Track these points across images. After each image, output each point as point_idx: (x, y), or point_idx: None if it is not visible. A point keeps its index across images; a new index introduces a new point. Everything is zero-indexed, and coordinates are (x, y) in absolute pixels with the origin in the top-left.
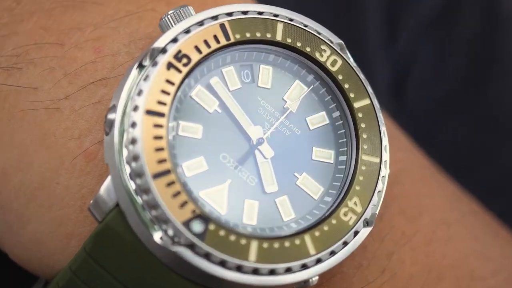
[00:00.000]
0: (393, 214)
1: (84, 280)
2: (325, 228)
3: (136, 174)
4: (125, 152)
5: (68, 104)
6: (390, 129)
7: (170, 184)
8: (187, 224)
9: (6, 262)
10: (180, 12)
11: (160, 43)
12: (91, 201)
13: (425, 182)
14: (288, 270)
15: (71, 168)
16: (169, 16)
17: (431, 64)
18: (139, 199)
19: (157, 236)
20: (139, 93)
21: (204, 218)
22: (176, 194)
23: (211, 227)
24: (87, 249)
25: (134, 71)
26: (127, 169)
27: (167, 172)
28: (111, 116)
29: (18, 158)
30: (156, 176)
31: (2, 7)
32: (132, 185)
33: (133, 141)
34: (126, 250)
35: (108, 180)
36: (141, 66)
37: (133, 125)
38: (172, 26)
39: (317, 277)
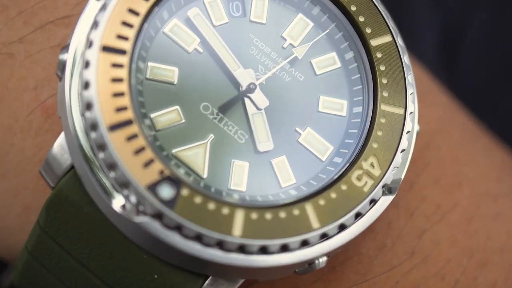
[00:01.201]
0: (425, 183)
1: (42, 261)
2: (333, 195)
3: (91, 126)
4: (78, 100)
5: (23, 48)
6: (424, 82)
7: (131, 137)
8: (152, 187)
9: None
10: None
11: None
12: (42, 163)
13: (467, 147)
14: (284, 248)
15: (27, 125)
16: None
17: (488, 20)
18: (95, 158)
19: (117, 203)
20: (95, 25)
21: (175, 181)
22: (139, 150)
23: (184, 192)
24: (40, 223)
25: (94, 0)
26: (81, 121)
27: (127, 123)
28: (63, 56)
29: None
30: (114, 127)
31: None
32: (87, 142)
33: (86, 85)
34: (84, 223)
35: (61, 137)
36: None
37: (87, 65)
38: None
39: (325, 258)
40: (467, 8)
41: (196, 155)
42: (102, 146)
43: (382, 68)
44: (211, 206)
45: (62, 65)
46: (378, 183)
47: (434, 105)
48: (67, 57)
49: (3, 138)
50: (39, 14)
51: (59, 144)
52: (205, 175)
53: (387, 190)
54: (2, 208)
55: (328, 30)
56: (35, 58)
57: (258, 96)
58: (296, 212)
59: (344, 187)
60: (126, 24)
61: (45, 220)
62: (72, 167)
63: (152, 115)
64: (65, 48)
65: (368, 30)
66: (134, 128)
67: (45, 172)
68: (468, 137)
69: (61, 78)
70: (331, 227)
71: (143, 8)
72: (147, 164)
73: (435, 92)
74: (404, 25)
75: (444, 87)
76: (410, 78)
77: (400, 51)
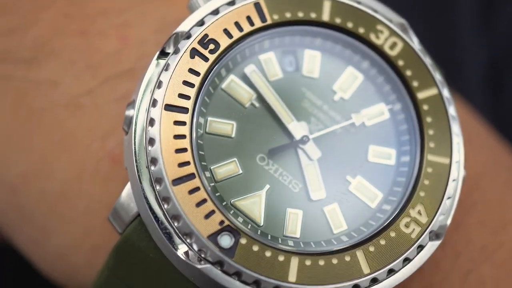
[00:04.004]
0: (471, 225)
1: None
2: (382, 242)
3: (156, 180)
4: (144, 154)
5: (90, 100)
6: (471, 124)
7: (193, 190)
8: (213, 237)
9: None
10: None
11: (184, 26)
12: (111, 211)
13: None
14: None
15: (95, 173)
16: None
17: None
18: (160, 209)
19: (181, 251)
20: (159, 85)
21: (234, 230)
22: (201, 202)
23: (243, 241)
24: (109, 265)
25: (155, 60)
26: (147, 175)
27: (190, 177)
28: (129, 112)
29: (39, 163)
30: (177, 181)
31: None
32: (152, 193)
33: (151, 141)
34: (149, 267)
35: (128, 187)
36: (164, 54)
37: (151, 122)
38: (200, 6)
39: None
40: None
41: (254, 204)
42: (166, 199)
43: (429, 120)
44: (268, 253)
45: (128, 121)
46: (425, 230)
47: (481, 148)
48: (133, 113)
49: (73, 184)
50: (104, 68)
51: (126, 193)
52: (262, 223)
53: (434, 236)
54: (72, 247)
55: (377, 82)
56: (101, 109)
57: (311, 148)
58: (347, 258)
59: (393, 234)
60: (187, 83)
61: (114, 263)
62: (138, 215)
63: (212, 167)
64: (131, 104)
65: (415, 84)
66: (196, 182)
67: (114, 219)
68: None
69: (127, 132)
70: (380, 272)
71: (203, 68)
72: (208, 215)
73: (482, 135)
74: (450, 56)
75: (491, 128)
76: (455, 128)
77: (446, 103)
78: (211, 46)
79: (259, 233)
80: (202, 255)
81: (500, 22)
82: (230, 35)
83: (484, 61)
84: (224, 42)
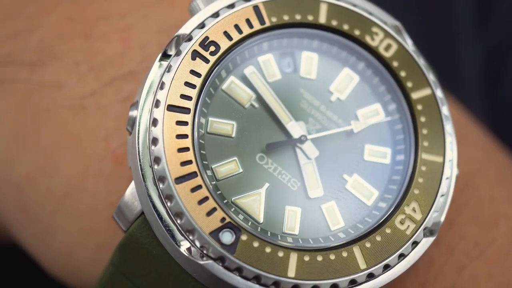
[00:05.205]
0: (464, 222)
1: None
2: (378, 238)
3: (159, 179)
4: (147, 154)
5: (94, 101)
6: (464, 124)
7: (195, 188)
8: (215, 234)
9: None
10: None
11: (185, 29)
12: (115, 209)
13: (505, 185)
14: (334, 287)
15: (98, 172)
16: None
17: None
18: (163, 207)
19: (183, 247)
20: (161, 86)
21: (235, 227)
22: (203, 200)
23: (243, 237)
24: (114, 262)
25: (158, 62)
26: (150, 173)
27: (192, 175)
28: (132, 113)
29: (43, 162)
30: (179, 179)
31: None
32: (155, 191)
33: (154, 141)
34: (153, 263)
35: (131, 186)
36: (166, 56)
37: (154, 122)
38: (201, 9)
39: None
40: (508, 38)
41: (254, 202)
42: (169, 197)
43: (423, 119)
44: (268, 249)
45: (132, 121)
46: (420, 227)
47: (473, 147)
48: (136, 114)
49: (77, 183)
50: (107, 70)
51: (130, 192)
52: (261, 221)
53: (428, 232)
54: (77, 245)
55: (373, 83)
56: (104, 110)
57: (309, 147)
58: (344, 254)
59: (388, 230)
60: (189, 84)
61: (118, 260)
62: (142, 213)
63: (213, 166)
64: (134, 105)
65: (409, 84)
66: (198, 180)
67: (118, 217)
68: (507, 176)
69: (131, 132)
70: (376, 268)
71: (204, 70)
72: (210, 212)
73: (475, 134)
74: (447, 54)
75: (482, 124)
76: (448, 128)
77: (439, 103)
78: (212, 48)
79: (259, 230)
80: (204, 251)
81: (496, 18)
82: (230, 37)
83: (480, 57)
84: (224, 44)
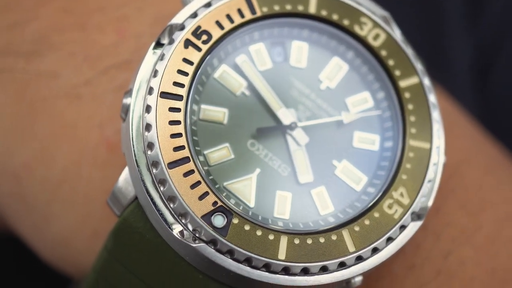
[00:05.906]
0: (451, 208)
1: (108, 280)
2: (366, 222)
3: (152, 164)
4: (141, 140)
5: (89, 90)
6: (453, 114)
7: (188, 173)
8: (207, 217)
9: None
10: None
11: (178, 18)
12: (109, 195)
13: (492, 174)
14: (324, 269)
15: (93, 159)
16: None
17: None
18: (156, 191)
19: (176, 231)
20: (155, 74)
21: (227, 211)
22: (195, 184)
23: (235, 221)
24: (108, 247)
25: (151, 50)
26: (144, 159)
27: (184, 160)
28: (126, 100)
29: (40, 151)
30: (172, 164)
31: None
32: (149, 176)
33: (148, 127)
34: (146, 247)
35: (125, 171)
36: (160, 45)
37: (148, 109)
38: None
39: (361, 277)
40: (499, 33)
41: (245, 187)
42: (162, 181)
43: (410, 107)
44: (259, 232)
45: (125, 108)
46: (407, 211)
47: (461, 137)
48: (130, 101)
49: (72, 170)
50: (102, 59)
51: (124, 178)
52: (252, 205)
53: (416, 216)
54: (72, 232)
55: (362, 71)
56: (99, 99)
57: (299, 134)
58: (334, 237)
59: (376, 214)
60: (181, 72)
61: (112, 245)
62: (135, 198)
63: (206, 152)
64: (128, 92)
65: (397, 73)
66: (190, 165)
67: (112, 203)
68: (493, 165)
69: (124, 119)
70: (365, 251)
71: (196, 58)
72: (202, 196)
73: (463, 124)
74: (439, 46)
75: (472, 117)
76: (435, 115)
77: (427, 91)
78: (204, 37)
79: (250, 214)
80: (197, 235)
81: (488, 11)
82: (221, 27)
83: (471, 50)
84: (216, 33)
